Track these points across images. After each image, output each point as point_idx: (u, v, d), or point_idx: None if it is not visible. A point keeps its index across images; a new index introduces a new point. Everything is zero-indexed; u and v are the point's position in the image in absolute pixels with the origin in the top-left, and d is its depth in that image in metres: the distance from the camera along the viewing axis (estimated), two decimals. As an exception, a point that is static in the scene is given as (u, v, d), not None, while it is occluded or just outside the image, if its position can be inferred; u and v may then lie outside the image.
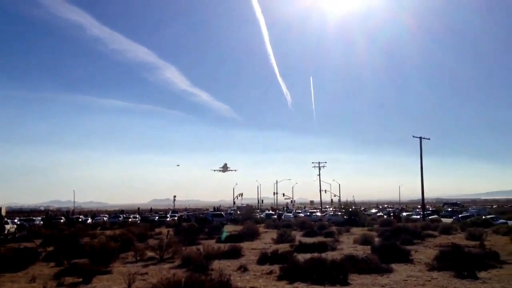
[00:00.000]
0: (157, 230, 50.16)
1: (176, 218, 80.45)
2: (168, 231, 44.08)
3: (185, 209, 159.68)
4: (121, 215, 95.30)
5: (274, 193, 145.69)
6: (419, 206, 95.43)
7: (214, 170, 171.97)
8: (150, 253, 25.86)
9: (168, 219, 79.05)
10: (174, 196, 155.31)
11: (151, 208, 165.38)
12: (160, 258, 24.80)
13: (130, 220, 77.43)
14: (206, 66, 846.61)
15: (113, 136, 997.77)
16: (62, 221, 75.04)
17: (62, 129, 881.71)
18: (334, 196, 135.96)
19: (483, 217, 58.33)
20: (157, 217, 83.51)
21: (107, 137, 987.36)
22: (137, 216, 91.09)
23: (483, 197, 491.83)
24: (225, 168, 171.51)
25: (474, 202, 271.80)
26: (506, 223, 49.70)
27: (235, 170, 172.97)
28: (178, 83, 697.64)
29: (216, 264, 20.65)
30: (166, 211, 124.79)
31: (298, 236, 37.99)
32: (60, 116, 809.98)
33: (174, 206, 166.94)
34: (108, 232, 45.15)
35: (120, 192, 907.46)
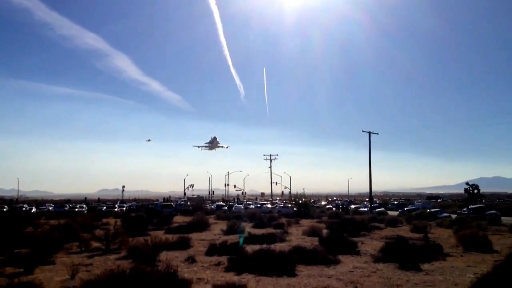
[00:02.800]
0: (104, 220, 49.00)
1: (124, 208, 78.94)
2: (116, 222, 43.15)
3: (134, 200, 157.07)
4: (67, 205, 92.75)
5: (225, 184, 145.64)
6: (367, 199, 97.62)
7: (199, 147, 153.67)
8: (96, 244, 25.17)
9: (116, 209, 77.49)
10: (123, 186, 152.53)
11: (98, 198, 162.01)
12: (106, 248, 24.21)
13: (76, 210, 75.42)
14: (159, 56, 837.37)
15: (60, 124, 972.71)
16: (5, 210, 72.07)
17: (6, 116, 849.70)
18: (285, 188, 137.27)
19: (428, 210, 60.26)
20: (104, 207, 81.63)
21: (53, 124, 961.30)
22: (84, 206, 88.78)
23: (428, 191, 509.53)
24: (213, 145, 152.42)
25: (419, 196, 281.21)
26: (450, 216, 51.52)
27: (227, 147, 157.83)
28: (129, 71, 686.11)
29: (164, 255, 20.32)
30: (114, 202, 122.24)
31: (247, 227, 38.01)
32: (4, 102, 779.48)
33: (122, 196, 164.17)
34: (53, 222, 43.69)
35: (67, 181, 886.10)
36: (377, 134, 73.88)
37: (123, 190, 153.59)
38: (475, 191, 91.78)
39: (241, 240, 26.08)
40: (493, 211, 53.22)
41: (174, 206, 77.33)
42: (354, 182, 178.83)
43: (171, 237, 25.97)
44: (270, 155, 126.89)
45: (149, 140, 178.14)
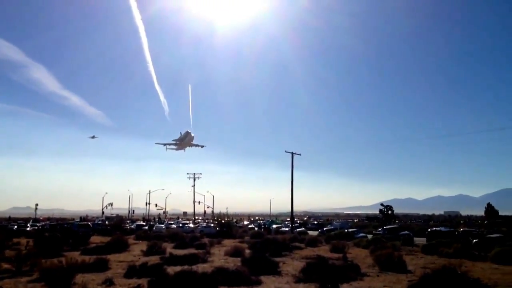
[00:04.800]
0: (15, 240, 46.01)
1: (37, 228, 74.74)
2: (28, 242, 40.63)
3: (48, 219, 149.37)
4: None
5: (146, 203, 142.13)
6: (288, 219, 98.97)
7: (164, 145, 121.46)
8: (5, 265, 23.60)
9: (28, 228, 73.13)
10: (36, 204, 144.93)
11: (9, 217, 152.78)
12: (17, 270, 22.73)
13: (-17, 229, 70.37)
14: (81, 70, 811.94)
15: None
16: None
17: None
18: (208, 207, 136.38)
19: (346, 230, 62.10)
20: (15, 226, 76.90)
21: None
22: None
23: (346, 211, 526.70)
24: (185, 143, 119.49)
25: (337, 215, 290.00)
26: (366, 236, 53.32)
27: (202, 146, 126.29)
28: (47, 84, 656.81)
29: (80, 278, 19.36)
30: (26, 220, 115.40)
31: (169, 248, 37.21)
32: None
33: (35, 214, 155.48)
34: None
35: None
36: (300, 155, 75.48)
37: (36, 208, 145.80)
38: (389, 212, 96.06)
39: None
40: (406, 232, 55.74)
41: (91, 225, 74.37)
42: (276, 202, 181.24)
43: (88, 259, 24.87)
44: (194, 173, 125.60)
45: (93, 137, 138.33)
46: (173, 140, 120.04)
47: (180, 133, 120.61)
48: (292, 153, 72.09)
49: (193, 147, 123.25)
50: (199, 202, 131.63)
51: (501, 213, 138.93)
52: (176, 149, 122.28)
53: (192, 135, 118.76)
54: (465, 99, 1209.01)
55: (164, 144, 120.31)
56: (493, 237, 41.50)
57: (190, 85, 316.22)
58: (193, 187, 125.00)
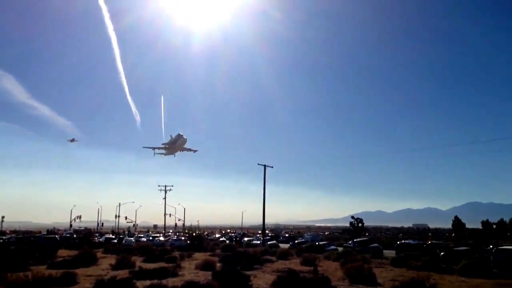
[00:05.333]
0: (-22, 254, 44.71)
1: (2, 241, 72.66)
2: (-8, 256, 39.54)
3: (15, 231, 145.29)
4: None
5: (116, 216, 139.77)
6: (260, 232, 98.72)
7: (153, 149, 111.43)
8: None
9: (-8, 241, 71.04)
10: (2, 217, 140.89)
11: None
12: (-21, 286, 22.03)
13: None
14: (51, 80, 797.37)
15: None
16: None
17: None
18: (179, 220, 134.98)
19: (317, 243, 62.37)
20: (-21, 240, 74.56)
21: None
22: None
23: (317, 224, 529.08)
24: (176, 147, 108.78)
25: (308, 228, 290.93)
26: (337, 249, 53.68)
27: (195, 151, 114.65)
28: (15, 93, 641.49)
29: (46, 293, 18.91)
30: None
31: (138, 261, 36.68)
32: None
33: (1, 227, 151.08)
34: None
35: None
36: (272, 167, 75.49)
37: (2, 221, 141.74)
38: (360, 224, 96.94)
39: None
40: (376, 244, 56.36)
41: (58, 238, 72.78)
42: (247, 214, 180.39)
43: (55, 273, 24.34)
44: (165, 185, 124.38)
45: (73, 140, 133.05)
46: (163, 144, 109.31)
47: (171, 136, 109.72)
48: (265, 166, 72.15)
49: (185, 152, 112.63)
50: (170, 214, 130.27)
51: (467, 226, 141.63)
52: (166, 154, 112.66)
53: (185, 137, 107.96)
54: (433, 114, 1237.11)
55: (153, 148, 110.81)
56: (460, 250, 42.30)
57: (162, 96, 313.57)
58: (164, 200, 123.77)
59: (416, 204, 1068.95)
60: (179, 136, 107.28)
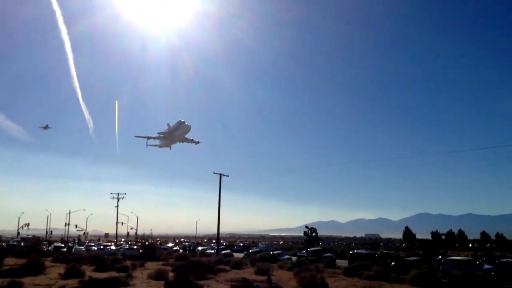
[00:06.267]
0: None
1: None
2: None
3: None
4: None
5: (66, 224, 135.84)
6: (214, 241, 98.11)
7: (147, 139, 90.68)
8: None
9: None
10: None
11: None
12: None
13: None
14: (1, 84, 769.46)
15: None
16: None
17: None
18: (131, 229, 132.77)
19: (271, 252, 62.58)
20: None
21: None
22: None
23: (271, 233, 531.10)
24: (175, 137, 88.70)
25: (263, 237, 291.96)
26: (290, 259, 53.98)
27: (197, 143, 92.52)
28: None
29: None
30: None
31: (88, 271, 35.78)
32: None
33: None
34: None
35: None
36: (228, 176, 74.65)
37: None
38: (313, 234, 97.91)
39: None
40: (329, 254, 57.10)
41: (5, 246, 70.20)
42: (202, 223, 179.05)
43: (1, 282, 23.50)
44: (118, 193, 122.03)
45: (46, 127, 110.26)
46: (159, 133, 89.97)
47: (168, 124, 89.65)
48: (221, 175, 71.67)
49: (185, 143, 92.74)
50: (122, 223, 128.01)
51: (418, 236, 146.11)
52: (160, 146, 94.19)
53: (188, 125, 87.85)
54: (385, 127, 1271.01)
55: (148, 138, 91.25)
56: (410, 260, 43.36)
57: (116, 101, 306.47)
58: (116, 208, 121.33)
59: (369, 215, 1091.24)
60: (181, 123, 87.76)
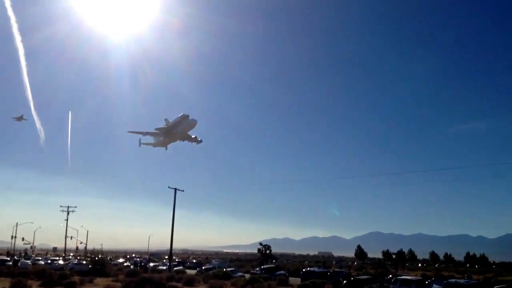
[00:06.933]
0: None
1: None
2: None
3: None
4: None
5: (12, 236, 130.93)
6: (167, 257, 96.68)
7: (144, 134, 79.28)
8: None
9: None
10: None
11: None
12: None
13: None
14: None
15: None
16: None
17: None
18: (81, 243, 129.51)
19: (224, 269, 62.25)
20: None
21: None
22: None
23: (225, 250, 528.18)
24: (175, 135, 77.63)
25: (216, 254, 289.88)
26: (244, 276, 53.82)
27: (199, 141, 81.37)
28: None
29: None
30: None
31: (35, 286, 34.68)
32: None
33: None
34: None
35: None
36: (183, 191, 73.47)
37: None
38: (267, 251, 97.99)
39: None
40: (282, 272, 57.28)
41: None
42: (155, 239, 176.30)
43: None
44: (68, 206, 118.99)
45: (20, 118, 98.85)
46: (156, 129, 77.74)
47: (167, 120, 77.06)
48: (175, 189, 70.90)
49: (186, 142, 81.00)
50: (71, 237, 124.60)
51: (370, 255, 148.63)
52: (155, 144, 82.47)
53: (194, 119, 76.38)
54: (339, 146, 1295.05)
55: (144, 134, 79.58)
56: (361, 278, 44.11)
57: (70, 111, 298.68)
58: (66, 221, 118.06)
59: (322, 232, 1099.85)
60: (184, 117, 75.51)
